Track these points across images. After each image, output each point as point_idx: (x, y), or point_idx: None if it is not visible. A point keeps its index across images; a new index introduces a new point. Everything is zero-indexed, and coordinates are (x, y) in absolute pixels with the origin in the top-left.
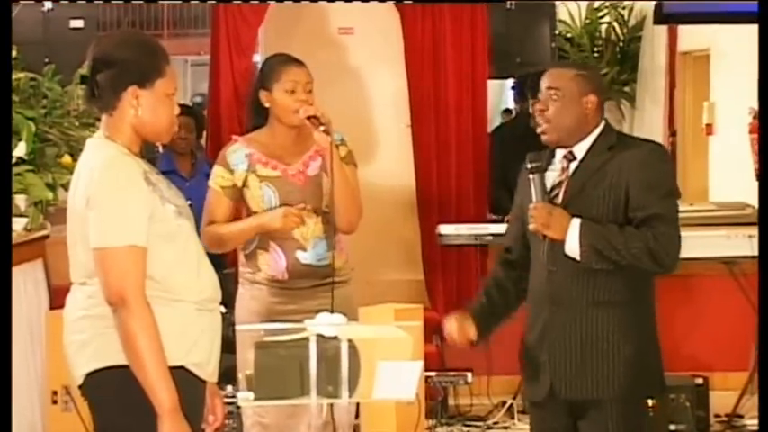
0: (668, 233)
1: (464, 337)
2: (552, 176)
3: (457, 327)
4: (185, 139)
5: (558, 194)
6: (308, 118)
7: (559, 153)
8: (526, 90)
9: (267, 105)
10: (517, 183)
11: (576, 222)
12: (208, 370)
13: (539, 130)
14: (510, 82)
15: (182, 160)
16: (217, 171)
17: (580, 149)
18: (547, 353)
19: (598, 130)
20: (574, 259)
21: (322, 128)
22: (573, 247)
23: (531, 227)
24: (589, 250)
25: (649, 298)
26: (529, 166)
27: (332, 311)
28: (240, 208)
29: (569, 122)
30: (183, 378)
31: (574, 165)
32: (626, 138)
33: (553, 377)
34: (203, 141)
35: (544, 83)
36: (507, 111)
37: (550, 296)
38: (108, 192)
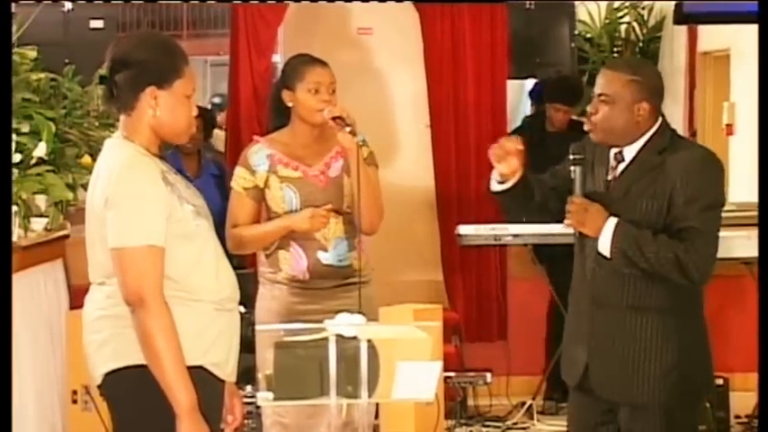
0: (702, 248)
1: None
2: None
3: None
4: (192, 139)
5: (608, 189)
6: (333, 119)
7: (614, 149)
8: (544, 95)
9: (290, 105)
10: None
11: (611, 222)
12: (226, 370)
13: (586, 128)
14: (530, 82)
15: (188, 160)
16: (238, 172)
17: (630, 151)
18: (586, 351)
19: (651, 132)
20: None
21: (348, 129)
22: (605, 247)
23: (566, 222)
24: (618, 252)
25: (696, 308)
26: (571, 157)
27: (359, 312)
28: (261, 209)
29: (618, 128)
30: (202, 378)
31: (622, 166)
32: (679, 140)
33: (592, 375)
34: (212, 141)
35: (597, 86)
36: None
37: (591, 295)
38: (126, 192)
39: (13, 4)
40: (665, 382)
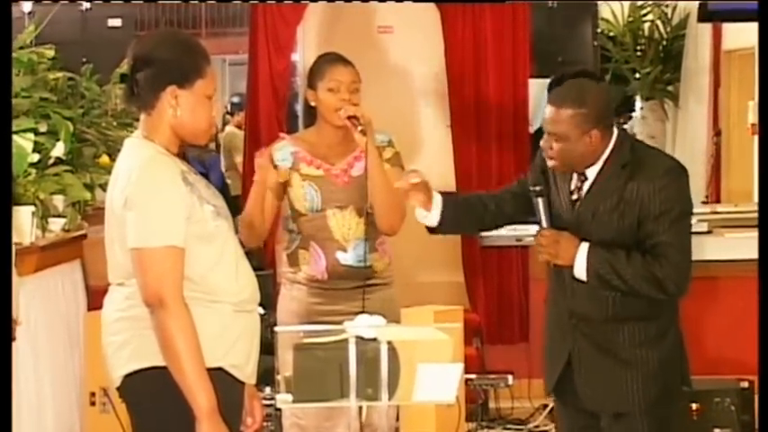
0: (676, 261)
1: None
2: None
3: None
4: None
5: (574, 212)
6: (349, 118)
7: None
8: None
9: (313, 104)
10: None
11: (583, 248)
12: (246, 371)
13: (548, 164)
14: None
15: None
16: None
17: (592, 171)
18: (565, 360)
19: (609, 149)
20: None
21: (360, 128)
22: (580, 273)
23: (539, 257)
24: (595, 277)
25: (673, 311)
26: (531, 189)
27: (370, 314)
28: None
29: (575, 159)
30: (222, 380)
31: (586, 185)
32: (640, 151)
33: (578, 385)
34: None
35: (543, 121)
36: None
37: (571, 310)
38: (146, 192)
39: (31, 3)
40: (647, 389)
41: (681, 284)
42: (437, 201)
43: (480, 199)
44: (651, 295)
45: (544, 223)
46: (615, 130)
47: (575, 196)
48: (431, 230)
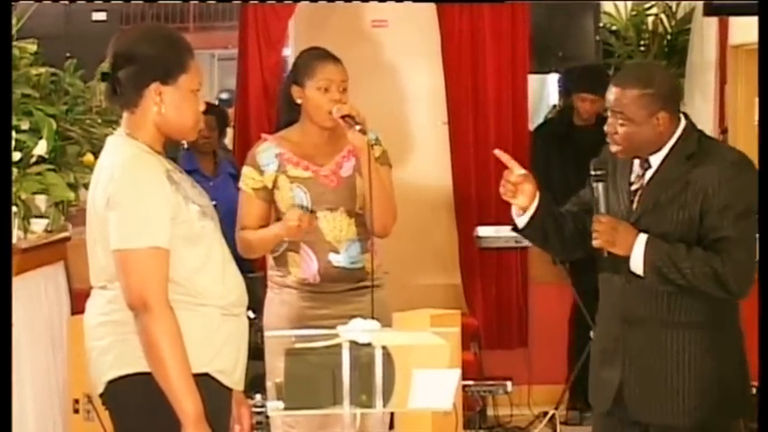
0: (739, 259)
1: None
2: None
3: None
4: (208, 138)
5: (633, 203)
6: (343, 117)
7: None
8: (569, 86)
9: (299, 102)
10: (558, 180)
11: (641, 239)
12: (234, 378)
13: (612, 148)
14: (552, 77)
15: (204, 160)
16: (246, 172)
17: (656, 158)
18: (620, 371)
19: (675, 136)
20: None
21: (358, 127)
22: (637, 265)
23: (594, 242)
24: (652, 270)
25: (734, 320)
26: (592, 173)
27: (372, 317)
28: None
29: (641, 143)
30: (208, 386)
31: (649, 173)
32: (708, 143)
33: (627, 397)
34: (227, 140)
35: (608, 102)
36: (554, 107)
37: (623, 312)
38: (129, 191)
39: None
40: (701, 401)
41: (743, 284)
42: (535, 201)
43: (565, 214)
44: (711, 293)
45: (602, 209)
46: (683, 120)
47: (635, 186)
48: (516, 230)
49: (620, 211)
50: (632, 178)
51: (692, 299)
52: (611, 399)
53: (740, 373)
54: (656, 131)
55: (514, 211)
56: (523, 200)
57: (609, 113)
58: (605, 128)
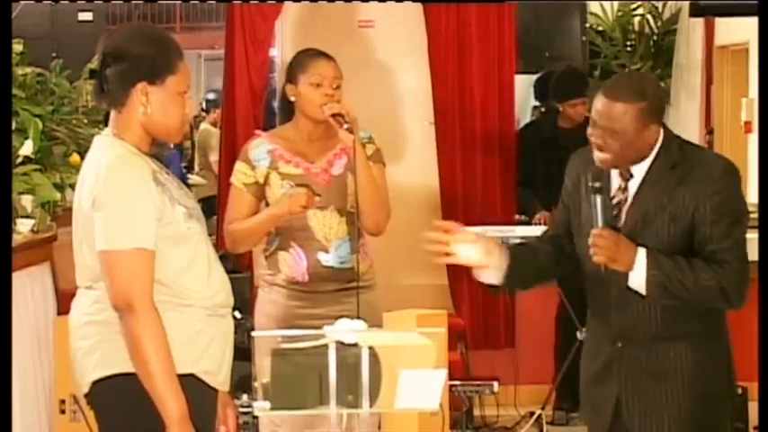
0: (738, 267)
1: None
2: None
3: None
4: None
5: (618, 216)
6: (333, 115)
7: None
8: (548, 91)
9: (292, 99)
10: (543, 181)
11: (642, 254)
12: (219, 378)
13: (596, 158)
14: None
15: None
16: (238, 167)
17: (639, 169)
18: (616, 388)
19: (657, 147)
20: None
21: (346, 126)
22: (638, 282)
23: (594, 258)
24: (656, 286)
25: (723, 328)
26: (590, 185)
27: (357, 317)
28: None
29: (631, 154)
30: (193, 386)
31: (633, 185)
32: (690, 151)
33: (626, 416)
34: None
35: (597, 114)
36: (537, 107)
37: (616, 331)
38: (115, 192)
39: None
40: (693, 406)
41: (743, 293)
42: (497, 255)
43: (535, 245)
44: (713, 305)
45: (600, 223)
46: (662, 128)
47: (617, 198)
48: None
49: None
50: (613, 191)
51: (682, 310)
52: (610, 416)
53: (728, 375)
54: (646, 143)
55: (476, 273)
56: (476, 257)
57: (594, 123)
58: (591, 138)
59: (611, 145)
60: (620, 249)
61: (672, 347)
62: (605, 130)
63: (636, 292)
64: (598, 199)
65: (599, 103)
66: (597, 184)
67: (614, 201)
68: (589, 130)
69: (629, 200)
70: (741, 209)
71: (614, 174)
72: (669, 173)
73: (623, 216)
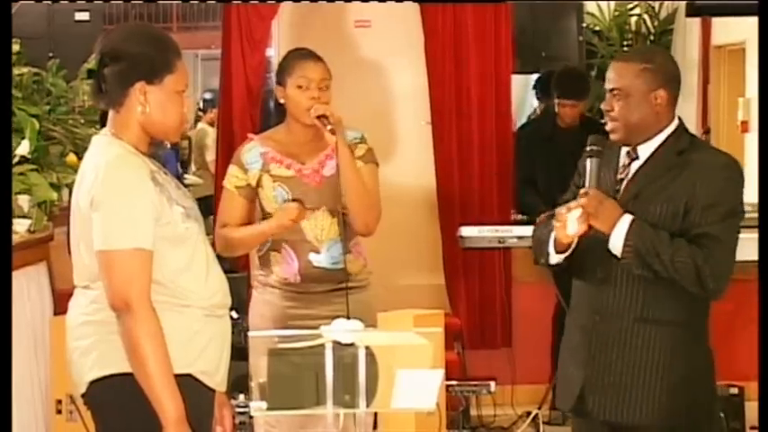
0: (720, 257)
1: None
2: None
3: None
4: None
5: (618, 191)
6: (318, 117)
7: (624, 148)
8: (550, 88)
9: (282, 101)
10: (543, 180)
11: (626, 219)
12: (216, 379)
13: (607, 128)
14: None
15: None
16: (231, 171)
17: (645, 149)
18: (582, 367)
19: (669, 130)
20: (625, 267)
21: (329, 128)
22: (616, 244)
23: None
24: (632, 251)
25: (704, 320)
26: (588, 148)
27: (347, 317)
28: (254, 209)
29: (637, 122)
30: (190, 387)
31: (635, 165)
32: (699, 143)
33: (589, 394)
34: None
35: (607, 81)
36: (534, 111)
37: (594, 304)
38: (113, 192)
39: None
40: (670, 402)
41: (721, 284)
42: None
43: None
44: (687, 286)
45: (591, 183)
46: (677, 118)
47: (620, 175)
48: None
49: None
50: (619, 167)
51: (669, 296)
52: (575, 396)
53: (710, 373)
54: (653, 110)
55: (551, 245)
56: (572, 237)
57: (607, 93)
58: (602, 106)
59: (617, 108)
60: (604, 207)
61: (646, 331)
62: (611, 92)
63: (618, 259)
64: (593, 162)
65: (609, 69)
66: (595, 148)
67: (618, 177)
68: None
69: (630, 176)
70: (735, 204)
71: (623, 153)
72: (674, 158)
73: (621, 191)
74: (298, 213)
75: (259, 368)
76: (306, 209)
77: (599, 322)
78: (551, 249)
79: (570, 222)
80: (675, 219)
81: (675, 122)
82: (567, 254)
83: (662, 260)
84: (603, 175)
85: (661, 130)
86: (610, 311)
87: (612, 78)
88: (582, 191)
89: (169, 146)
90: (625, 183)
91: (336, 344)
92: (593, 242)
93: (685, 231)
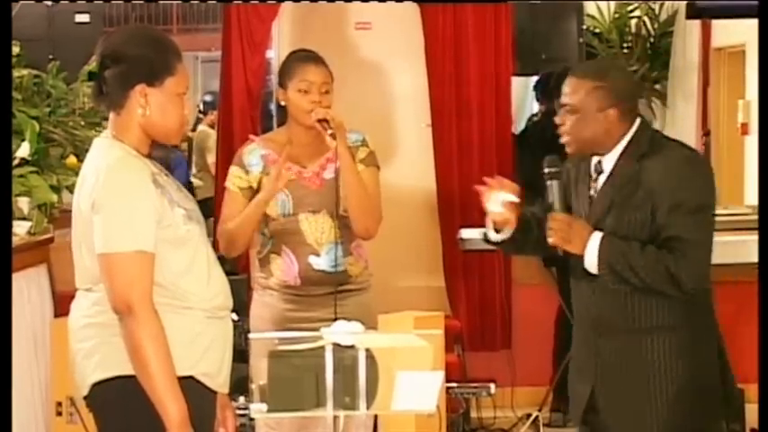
0: (692, 256)
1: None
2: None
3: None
4: None
5: (592, 205)
6: (319, 121)
7: (594, 159)
8: (551, 90)
9: (283, 103)
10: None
11: (596, 237)
12: (218, 380)
13: (561, 141)
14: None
15: None
16: (233, 171)
17: (608, 161)
18: (592, 382)
19: (628, 137)
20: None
21: (330, 132)
22: (591, 262)
23: (549, 240)
24: (606, 268)
25: (707, 321)
26: (545, 170)
27: (348, 320)
28: None
29: (587, 138)
30: (193, 389)
31: (602, 178)
32: (660, 141)
33: (600, 408)
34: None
35: (562, 93)
36: (534, 115)
37: (593, 320)
38: (114, 194)
39: None
40: (676, 406)
41: (697, 281)
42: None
43: (532, 218)
44: (665, 291)
45: (557, 207)
46: (637, 120)
47: (591, 191)
48: (487, 240)
49: (581, 217)
50: (590, 182)
51: (662, 301)
52: (582, 409)
53: (716, 374)
54: (603, 128)
55: (488, 223)
56: (498, 217)
57: (559, 107)
58: (555, 119)
59: (569, 123)
60: (572, 230)
61: (648, 340)
62: (564, 107)
63: (595, 276)
64: (554, 184)
65: (564, 83)
66: (553, 170)
67: (590, 192)
68: None
69: (598, 190)
70: (701, 199)
71: (592, 166)
72: (634, 164)
73: (590, 208)
74: (278, 173)
75: (259, 370)
76: (281, 165)
77: (599, 339)
78: (488, 226)
79: (493, 202)
80: (645, 224)
81: (635, 126)
82: (505, 237)
83: (636, 272)
84: (580, 191)
85: (619, 140)
86: (607, 327)
87: (566, 93)
88: (550, 215)
89: (178, 151)
90: (597, 197)
91: (337, 346)
92: (579, 259)
93: (656, 236)
